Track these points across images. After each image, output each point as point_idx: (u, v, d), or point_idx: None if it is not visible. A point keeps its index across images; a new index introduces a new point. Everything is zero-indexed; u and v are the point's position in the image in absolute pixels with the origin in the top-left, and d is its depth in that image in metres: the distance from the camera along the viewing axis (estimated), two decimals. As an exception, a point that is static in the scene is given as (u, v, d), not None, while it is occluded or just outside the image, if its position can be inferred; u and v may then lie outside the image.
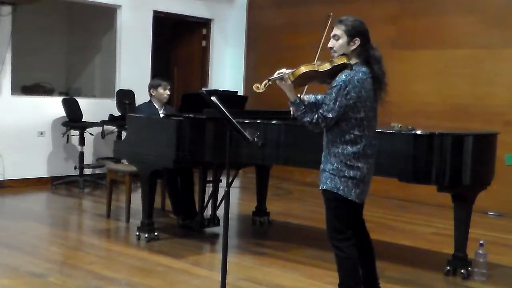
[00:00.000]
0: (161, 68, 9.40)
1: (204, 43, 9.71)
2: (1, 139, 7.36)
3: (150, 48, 8.78)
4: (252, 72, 9.51)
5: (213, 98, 3.46)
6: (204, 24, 9.64)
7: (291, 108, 3.48)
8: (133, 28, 8.54)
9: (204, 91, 4.50)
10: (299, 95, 3.49)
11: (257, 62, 9.45)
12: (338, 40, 3.40)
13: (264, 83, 3.41)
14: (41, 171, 7.80)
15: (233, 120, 3.45)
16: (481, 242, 4.56)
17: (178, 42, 10.06)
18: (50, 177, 7.83)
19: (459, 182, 4.31)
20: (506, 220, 6.87)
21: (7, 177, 7.45)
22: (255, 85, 3.42)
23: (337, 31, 3.40)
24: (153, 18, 8.77)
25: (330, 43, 3.45)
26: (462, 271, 4.51)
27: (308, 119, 3.38)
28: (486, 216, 6.93)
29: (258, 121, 4.88)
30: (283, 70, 3.41)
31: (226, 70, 9.83)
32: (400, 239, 5.67)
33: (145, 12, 8.69)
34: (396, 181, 4.39)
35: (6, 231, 5.48)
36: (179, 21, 9.64)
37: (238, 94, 6.46)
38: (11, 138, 7.44)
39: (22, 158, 7.56)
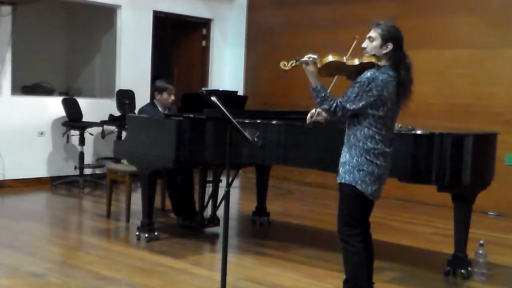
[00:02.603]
0: (161, 68, 9.41)
1: (204, 43, 9.71)
2: (1, 139, 7.36)
3: (150, 48, 8.78)
4: (252, 72, 9.51)
5: (213, 98, 3.47)
6: (204, 24, 9.64)
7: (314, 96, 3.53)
8: (133, 28, 8.54)
9: (204, 91, 4.51)
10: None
11: (257, 62, 9.45)
12: (372, 42, 3.48)
13: (291, 62, 3.52)
14: (41, 171, 7.80)
15: (233, 120, 3.46)
16: (481, 242, 4.56)
17: (178, 42, 10.06)
18: (50, 177, 7.83)
19: (459, 182, 4.31)
20: (506, 220, 6.87)
21: (7, 177, 7.45)
22: (282, 62, 3.52)
23: (373, 33, 3.49)
24: (153, 18, 8.77)
25: (364, 43, 3.52)
26: (462, 271, 4.51)
27: (326, 106, 3.45)
28: (486, 216, 6.93)
29: (258, 121, 4.88)
30: (312, 55, 3.49)
31: (226, 70, 9.82)
32: (400, 239, 5.67)
33: (145, 12, 8.69)
34: (396, 181, 4.39)
35: (6, 231, 5.48)
36: (179, 21, 9.63)
37: (238, 94, 6.47)
38: (11, 138, 7.45)
39: (22, 158, 7.56)
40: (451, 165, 4.23)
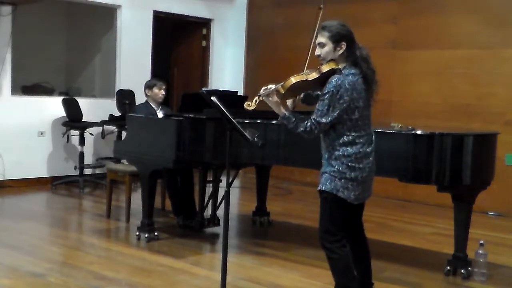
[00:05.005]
0: (161, 68, 9.41)
1: (204, 43, 9.71)
2: (1, 139, 7.36)
3: (150, 48, 8.78)
4: (252, 72, 9.51)
5: (213, 98, 3.46)
6: (204, 24, 9.64)
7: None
8: (133, 28, 8.54)
9: (204, 91, 4.51)
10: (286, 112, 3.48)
11: (257, 62, 9.45)
12: (324, 47, 3.40)
13: (254, 100, 3.45)
14: (41, 171, 7.80)
15: (233, 120, 3.46)
16: (481, 242, 4.56)
17: (178, 42, 10.06)
18: (50, 177, 7.83)
19: (459, 182, 4.30)
20: (506, 220, 6.87)
21: (7, 177, 7.45)
22: (246, 102, 3.47)
23: (321, 38, 3.40)
24: (153, 18, 8.77)
25: (316, 50, 3.45)
26: (462, 271, 4.51)
27: (302, 128, 3.39)
28: (486, 216, 6.93)
29: (258, 121, 4.88)
30: (271, 86, 3.42)
31: (226, 70, 9.82)
32: (400, 239, 5.67)
33: (145, 12, 8.69)
34: (396, 181, 4.39)
35: (6, 231, 5.48)
36: (179, 21, 9.63)
37: (238, 94, 6.47)
38: (11, 138, 7.45)
39: (22, 158, 7.56)
40: (451, 165, 4.23)
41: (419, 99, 7.71)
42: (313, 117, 3.35)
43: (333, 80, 3.33)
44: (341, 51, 3.38)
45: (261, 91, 3.42)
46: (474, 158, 4.31)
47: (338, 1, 8.21)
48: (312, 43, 3.45)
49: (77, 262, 4.67)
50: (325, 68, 3.40)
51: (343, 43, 3.37)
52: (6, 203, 7.00)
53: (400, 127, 4.49)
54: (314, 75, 3.41)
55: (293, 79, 3.42)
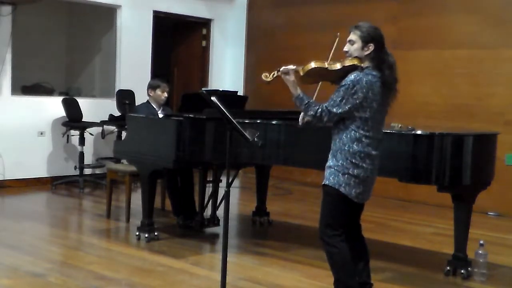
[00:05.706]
0: (161, 68, 9.41)
1: (204, 43, 9.71)
2: (1, 139, 7.36)
3: (150, 48, 8.78)
4: (252, 72, 9.51)
5: (213, 98, 3.47)
6: (204, 24, 9.65)
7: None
8: (133, 28, 8.54)
9: (204, 91, 4.51)
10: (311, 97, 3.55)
11: (257, 62, 9.45)
12: (353, 44, 3.48)
13: (273, 73, 3.55)
14: (41, 171, 7.80)
15: (233, 120, 3.46)
16: (481, 242, 4.56)
17: (178, 42, 10.06)
18: (50, 177, 7.83)
19: (459, 182, 4.31)
20: (506, 220, 6.87)
21: (7, 177, 7.45)
22: (264, 73, 3.54)
23: (352, 36, 3.48)
24: (153, 18, 8.77)
25: (345, 47, 3.52)
26: (462, 271, 4.51)
27: (312, 112, 3.44)
28: (486, 216, 6.93)
29: (258, 121, 4.88)
30: (292, 66, 3.50)
31: (226, 70, 9.83)
32: (400, 239, 5.67)
33: (145, 12, 8.69)
34: (396, 181, 4.39)
35: (6, 231, 5.48)
36: (179, 21, 9.64)
37: (238, 94, 6.47)
38: (11, 138, 7.44)
39: (22, 158, 7.55)
40: (451, 165, 4.24)
41: (419, 99, 7.70)
42: (325, 104, 3.42)
43: (352, 75, 3.41)
44: (368, 52, 3.45)
45: (282, 68, 3.48)
46: (474, 158, 4.31)
47: (339, 1, 8.23)
48: (327, 63, 3.50)
49: (77, 262, 4.67)
50: (348, 63, 3.48)
51: (371, 44, 3.44)
52: (6, 203, 7.01)
53: (400, 127, 4.49)
54: (336, 66, 3.49)
55: (313, 64, 3.48)
